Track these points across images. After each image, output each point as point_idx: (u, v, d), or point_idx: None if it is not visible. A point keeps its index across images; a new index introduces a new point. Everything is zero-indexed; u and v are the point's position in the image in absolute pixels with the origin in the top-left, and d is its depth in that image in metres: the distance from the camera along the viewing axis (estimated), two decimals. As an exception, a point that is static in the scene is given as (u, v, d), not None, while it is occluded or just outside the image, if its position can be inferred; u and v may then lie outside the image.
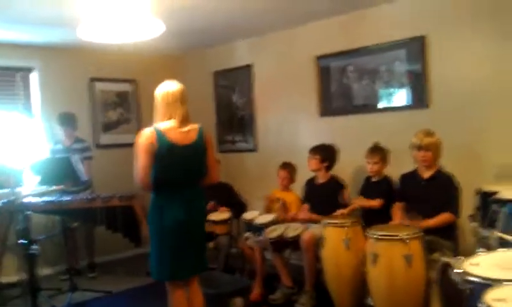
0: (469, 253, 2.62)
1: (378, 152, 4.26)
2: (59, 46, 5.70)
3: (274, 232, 4.39)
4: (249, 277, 4.65)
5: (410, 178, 4.00)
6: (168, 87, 3.30)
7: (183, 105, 3.25)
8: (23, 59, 5.64)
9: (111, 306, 4.58)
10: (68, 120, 5.46)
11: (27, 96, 5.74)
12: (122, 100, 6.49)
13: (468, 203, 3.65)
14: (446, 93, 4.33)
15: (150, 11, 4.18)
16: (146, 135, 3.15)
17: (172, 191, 3.22)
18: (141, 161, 3.12)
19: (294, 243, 4.32)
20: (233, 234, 5.03)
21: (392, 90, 4.75)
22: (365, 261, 3.59)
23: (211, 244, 4.84)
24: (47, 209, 4.80)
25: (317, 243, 4.13)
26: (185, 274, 3.29)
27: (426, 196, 3.79)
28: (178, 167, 3.21)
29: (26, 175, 4.70)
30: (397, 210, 3.99)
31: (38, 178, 5.13)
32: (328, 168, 4.59)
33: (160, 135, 3.15)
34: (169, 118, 3.22)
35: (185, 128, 3.23)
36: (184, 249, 3.23)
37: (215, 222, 4.83)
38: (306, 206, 4.68)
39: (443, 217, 3.66)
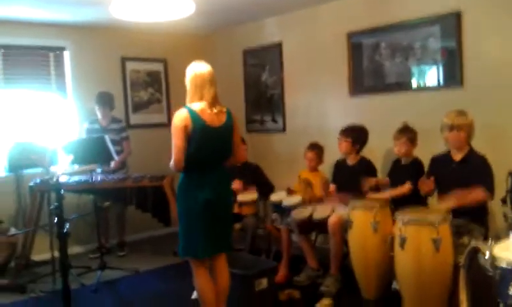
0: (499, 238, 2.54)
1: (405, 132, 4.12)
2: (90, 25, 5.75)
3: (301, 214, 4.34)
4: (275, 259, 4.64)
5: (441, 160, 3.87)
6: (196, 69, 3.29)
7: (212, 87, 3.25)
8: (55, 38, 5.72)
9: (139, 284, 4.65)
10: (105, 100, 5.52)
11: (60, 75, 5.82)
12: (153, 79, 6.52)
13: (500, 187, 3.50)
14: (481, 71, 4.16)
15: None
16: (180, 117, 3.17)
17: (202, 172, 3.25)
18: (176, 142, 3.15)
19: (320, 225, 4.27)
20: (260, 215, 5.02)
21: (425, 67, 4.59)
22: (393, 244, 3.53)
23: (238, 225, 4.85)
24: (79, 188, 4.92)
25: (344, 226, 4.07)
26: (209, 252, 3.31)
27: (458, 178, 3.64)
28: (210, 148, 3.24)
29: (59, 154, 4.80)
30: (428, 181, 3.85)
31: (71, 158, 5.24)
32: (359, 150, 4.51)
33: (194, 116, 3.16)
34: (200, 99, 3.23)
35: (216, 110, 3.24)
36: (211, 228, 3.25)
37: (242, 203, 4.84)
38: (333, 186, 4.61)
39: (477, 193, 3.48)
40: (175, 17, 4.18)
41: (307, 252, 4.45)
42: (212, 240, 3.28)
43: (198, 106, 3.20)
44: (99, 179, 4.92)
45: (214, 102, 3.24)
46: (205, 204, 3.21)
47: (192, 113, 3.17)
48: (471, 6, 4.18)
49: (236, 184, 4.91)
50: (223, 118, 3.27)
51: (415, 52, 4.63)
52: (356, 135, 4.48)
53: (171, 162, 3.22)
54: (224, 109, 3.31)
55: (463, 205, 3.49)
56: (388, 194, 4.08)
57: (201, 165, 3.24)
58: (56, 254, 3.90)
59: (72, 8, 5.00)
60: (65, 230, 3.81)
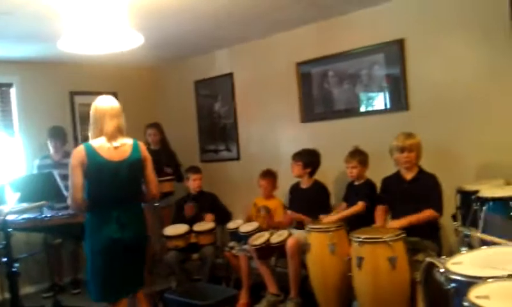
0: (452, 253, 2.63)
1: (355, 156, 4.26)
2: (38, 60, 5.65)
3: (258, 239, 4.36)
4: (235, 287, 4.61)
5: (392, 180, 4.00)
6: (97, 103, 3.24)
7: (112, 120, 3.16)
8: (1, 74, 5.57)
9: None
10: (58, 134, 5.40)
11: (7, 112, 5.66)
12: (103, 113, 6.42)
13: (449, 203, 3.67)
14: (425, 95, 4.36)
15: (129, 22, 4.17)
16: (76, 154, 3.11)
17: (106, 209, 3.14)
18: (73, 180, 3.07)
19: (279, 249, 4.29)
20: (218, 244, 4.99)
21: (372, 94, 4.78)
22: (351, 265, 3.58)
23: (196, 255, 4.81)
24: (28, 226, 4.73)
25: (302, 249, 4.12)
26: (119, 296, 3.22)
27: (410, 197, 3.79)
28: (110, 184, 3.13)
29: (7, 193, 4.63)
30: (380, 212, 3.99)
31: (18, 195, 5.06)
32: (311, 173, 4.59)
33: (90, 152, 3.10)
34: (100, 134, 3.16)
35: (117, 144, 3.15)
36: (116, 270, 3.15)
37: (199, 233, 4.80)
38: (289, 212, 4.67)
39: (426, 213, 3.64)
40: (122, 49, 4.18)
41: (267, 278, 4.45)
42: (123, 281, 3.19)
43: (97, 141, 3.14)
44: (49, 216, 4.76)
45: (113, 136, 3.14)
46: (110, 243, 3.11)
47: (88, 149, 3.10)
48: (412, 33, 4.40)
49: (188, 207, 4.92)
50: (126, 153, 3.17)
51: (362, 79, 4.81)
52: (307, 158, 4.57)
53: (69, 201, 3.12)
54: (130, 143, 3.21)
55: (412, 224, 3.60)
56: (341, 214, 4.16)
57: (104, 202, 3.14)
58: (7, 295, 3.74)
59: (18, 44, 4.91)
60: (15, 270, 3.68)
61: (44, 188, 4.70)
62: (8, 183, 4.69)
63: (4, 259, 3.99)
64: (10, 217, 4.35)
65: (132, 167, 3.18)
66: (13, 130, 5.68)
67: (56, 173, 4.73)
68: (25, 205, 4.74)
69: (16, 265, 3.63)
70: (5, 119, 5.64)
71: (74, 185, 3.07)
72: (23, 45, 4.92)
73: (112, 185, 3.13)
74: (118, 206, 3.15)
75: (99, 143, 3.14)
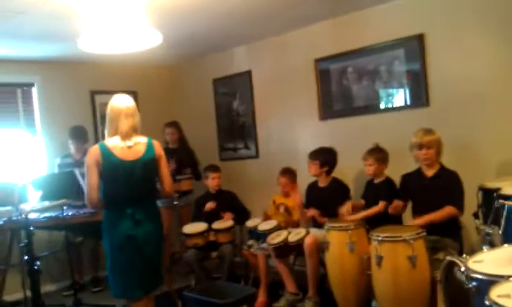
0: (473, 251, 2.58)
1: (372, 153, 4.20)
2: (58, 60, 5.73)
3: (276, 238, 4.35)
4: (253, 285, 4.61)
5: (413, 177, 3.94)
6: (113, 102, 3.26)
7: (127, 119, 3.19)
8: (23, 74, 5.67)
9: (116, 319, 4.53)
10: (79, 134, 5.48)
11: (29, 112, 5.75)
12: (123, 112, 6.48)
13: (470, 201, 3.59)
14: (445, 91, 4.30)
15: (148, 21, 4.20)
16: (91, 154, 3.16)
17: (121, 208, 3.17)
18: (88, 180, 3.11)
19: (297, 248, 4.28)
20: (236, 242, 4.99)
21: (391, 90, 4.72)
22: (370, 263, 3.55)
23: (214, 253, 4.82)
24: (49, 225, 4.80)
25: (320, 247, 4.09)
26: (138, 294, 3.23)
27: (431, 194, 3.74)
28: (125, 183, 3.16)
29: (29, 191, 4.70)
30: (396, 203, 3.92)
31: (40, 194, 5.13)
32: (329, 172, 4.56)
33: (105, 152, 3.14)
34: (115, 133, 3.19)
35: (130, 143, 3.17)
36: (134, 267, 3.18)
37: (218, 231, 4.81)
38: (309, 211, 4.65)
39: (446, 211, 3.59)
40: (141, 48, 4.21)
41: (285, 276, 4.43)
42: (139, 280, 3.21)
43: (112, 141, 3.18)
44: (70, 214, 4.82)
45: (128, 135, 3.17)
46: (125, 239, 3.15)
47: (103, 149, 3.15)
48: (433, 28, 4.33)
49: (209, 205, 4.94)
50: (140, 152, 3.19)
51: (381, 76, 4.75)
52: (324, 157, 4.53)
53: (85, 200, 3.17)
54: (144, 142, 3.23)
55: (432, 222, 3.55)
56: (362, 214, 4.12)
57: (119, 201, 3.18)
58: (29, 293, 3.79)
59: (39, 44, 4.98)
60: (36, 268, 3.73)
61: (65, 187, 4.77)
62: (29, 182, 4.77)
63: (26, 257, 4.05)
64: (32, 216, 4.43)
65: (146, 166, 3.20)
66: (35, 129, 5.78)
67: (77, 171, 4.79)
68: (46, 204, 4.82)
69: (38, 263, 3.68)
70: (27, 118, 5.73)
71: (90, 185, 3.11)
72: (43, 44, 4.99)
73: (126, 184, 3.16)
74: (133, 204, 3.18)
75: (114, 143, 3.18)
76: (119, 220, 3.16)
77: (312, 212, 4.46)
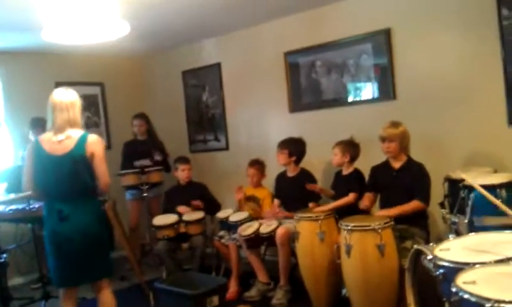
0: (440, 240, 2.66)
1: (339, 144, 4.29)
2: (23, 51, 5.58)
3: (248, 229, 4.39)
4: (225, 276, 4.64)
5: (381, 169, 4.03)
6: (52, 95, 3.24)
7: (62, 113, 3.15)
8: (-14, 66, 5.50)
9: (86, 312, 4.48)
10: (38, 124, 5.33)
11: (-8, 103, 5.60)
12: (89, 103, 6.36)
13: (437, 191, 3.71)
14: (412, 85, 4.40)
15: (115, 12, 4.14)
16: (28, 147, 3.24)
17: (51, 202, 3.19)
18: (24, 173, 3.19)
19: (268, 239, 4.34)
20: (207, 233, 5.01)
21: (359, 84, 4.80)
22: (339, 252, 3.63)
23: (185, 245, 4.83)
24: (16, 217, 4.70)
25: (292, 237, 4.15)
26: (66, 283, 3.26)
27: (398, 185, 3.83)
28: (53, 177, 3.14)
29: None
30: (367, 198, 4.01)
31: (4, 186, 5.01)
32: (297, 162, 4.61)
33: (36, 146, 3.17)
34: (52, 127, 3.20)
35: (62, 137, 3.14)
36: (61, 260, 3.18)
37: (189, 222, 4.80)
38: (276, 202, 4.71)
39: (412, 205, 3.69)
40: (108, 39, 4.14)
41: (256, 266, 4.48)
42: (72, 270, 3.20)
43: (46, 135, 3.20)
44: (36, 206, 4.72)
45: (60, 129, 3.14)
46: (52, 234, 3.17)
47: (35, 142, 3.19)
48: (399, 23, 4.42)
49: (182, 209, 4.93)
50: (69, 147, 3.13)
51: (349, 69, 4.83)
52: (292, 147, 4.58)
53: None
54: (75, 137, 3.15)
55: (399, 215, 3.64)
56: (333, 205, 4.18)
57: (49, 195, 3.19)
58: (-4, 286, 3.73)
59: (3, 34, 4.85)
60: (3, 260, 3.67)
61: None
62: (-6, 175, 4.65)
63: (-8, 251, 3.99)
64: (-3, 209, 4.33)
65: (74, 161, 3.13)
66: (-1, 121, 5.63)
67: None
68: (12, 196, 4.71)
69: (5, 255, 3.62)
70: (-10, 109, 5.58)
71: (25, 177, 3.18)
72: (7, 35, 4.86)
73: (55, 179, 3.14)
74: (61, 199, 3.15)
75: (47, 137, 3.18)
76: (49, 214, 3.18)
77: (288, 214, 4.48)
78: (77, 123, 3.22)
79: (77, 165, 3.13)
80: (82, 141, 3.15)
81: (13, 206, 4.68)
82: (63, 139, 3.13)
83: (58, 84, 5.97)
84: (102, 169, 3.21)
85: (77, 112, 3.23)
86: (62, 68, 6.04)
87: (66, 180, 3.13)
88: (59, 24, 3.66)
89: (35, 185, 3.17)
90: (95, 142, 3.20)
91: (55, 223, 3.14)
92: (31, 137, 5.31)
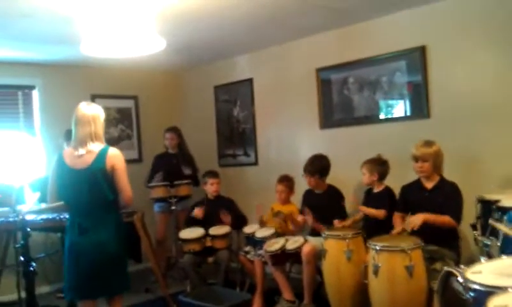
0: (471, 262, 2.57)
1: (367, 163, 4.26)
2: (60, 63, 5.74)
3: (274, 245, 4.34)
4: (249, 291, 4.59)
5: (412, 188, 3.94)
6: (77, 109, 3.27)
7: (84, 127, 3.18)
8: (24, 77, 5.67)
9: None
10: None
11: (29, 114, 5.75)
12: (123, 116, 6.50)
13: (469, 212, 3.59)
14: (447, 103, 4.29)
15: (152, 27, 4.21)
16: (54, 160, 3.28)
17: (72, 214, 3.23)
18: (49, 185, 3.25)
19: (294, 256, 4.27)
20: (233, 248, 4.97)
21: (392, 101, 4.72)
22: (367, 272, 3.54)
23: (211, 258, 4.81)
24: (46, 226, 4.78)
25: (318, 255, 4.08)
26: (82, 295, 3.26)
27: (430, 205, 3.71)
28: (72, 191, 3.18)
29: (27, 193, 4.68)
30: (398, 220, 3.93)
31: (38, 195, 5.11)
32: (322, 176, 4.57)
33: (59, 159, 3.22)
34: (74, 140, 3.23)
35: (82, 151, 3.16)
36: (78, 270, 3.19)
37: (215, 237, 4.79)
38: (307, 210, 4.61)
39: (444, 218, 3.57)
40: (145, 53, 4.21)
41: (281, 283, 4.41)
42: (85, 284, 3.19)
43: (69, 149, 3.24)
44: (67, 217, 4.80)
45: (82, 143, 3.16)
46: (71, 246, 3.20)
47: (59, 156, 3.23)
48: (435, 40, 4.34)
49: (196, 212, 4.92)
50: (88, 161, 3.15)
51: (382, 86, 4.76)
52: (320, 169, 4.56)
53: None
54: (96, 151, 3.17)
55: (430, 222, 3.52)
56: (364, 209, 4.17)
57: (71, 208, 3.24)
58: (23, 294, 3.76)
59: (42, 47, 4.99)
60: (32, 269, 3.71)
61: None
62: (27, 184, 4.75)
63: (22, 258, 4.04)
64: (29, 217, 4.40)
65: (94, 175, 3.14)
66: (35, 131, 5.77)
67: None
68: (43, 206, 4.80)
69: (33, 264, 3.65)
70: (27, 120, 5.73)
71: (49, 189, 3.25)
72: (45, 47, 5.00)
73: (74, 192, 3.17)
74: (81, 212, 3.19)
75: (69, 151, 3.23)
76: (70, 226, 3.23)
77: (309, 219, 4.44)
78: (99, 136, 3.24)
79: (96, 179, 3.14)
80: (102, 155, 3.17)
81: (44, 216, 4.78)
82: (84, 154, 3.16)
83: (94, 97, 6.15)
84: (123, 183, 3.22)
85: (99, 126, 3.26)
86: (98, 80, 6.18)
87: (85, 194, 3.15)
88: (97, 38, 3.74)
89: (58, 199, 3.22)
90: (115, 156, 3.22)
91: (74, 236, 3.17)
92: (65, 148, 5.44)
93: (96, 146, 3.19)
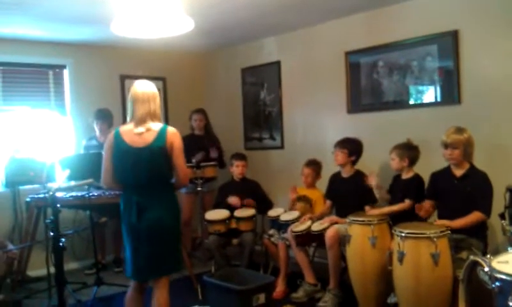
0: (498, 252, 2.53)
1: (396, 148, 4.15)
2: (90, 43, 5.81)
3: (300, 226, 4.36)
4: (272, 274, 4.61)
5: (442, 176, 3.86)
6: (134, 87, 3.24)
7: (143, 105, 3.16)
8: (55, 56, 5.76)
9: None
10: (104, 116, 5.53)
11: (59, 93, 5.85)
12: (151, 97, 6.54)
13: (498, 201, 3.52)
14: (478, 89, 4.20)
15: (181, 8, 4.21)
16: (108, 138, 3.23)
17: (129, 194, 3.19)
18: (104, 163, 3.20)
19: (318, 238, 4.26)
20: (257, 231, 5.00)
21: (422, 86, 4.63)
22: (391, 259, 3.51)
23: (235, 240, 4.85)
24: (76, 204, 4.89)
25: (341, 240, 4.07)
26: (140, 277, 3.26)
27: (458, 194, 3.67)
28: (132, 169, 3.14)
29: (57, 170, 4.78)
30: (427, 206, 3.83)
31: (67, 173, 5.21)
32: (354, 162, 4.51)
33: (116, 137, 3.17)
34: (132, 119, 3.20)
35: (142, 129, 3.14)
36: (138, 252, 3.18)
37: (240, 219, 4.82)
38: (328, 202, 4.64)
39: (473, 217, 3.52)
40: (173, 34, 4.23)
41: (304, 267, 4.42)
42: (142, 264, 3.19)
43: (127, 127, 3.20)
44: (95, 194, 4.89)
45: (141, 121, 3.14)
46: (130, 226, 3.17)
47: (116, 134, 3.18)
48: (467, 25, 4.23)
49: (233, 200, 4.93)
50: (149, 139, 3.13)
51: (413, 71, 4.67)
52: (352, 146, 4.48)
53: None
54: (156, 129, 3.15)
55: (461, 228, 3.50)
56: (387, 210, 4.07)
57: (127, 186, 3.20)
58: (52, 269, 3.87)
59: (72, 27, 5.05)
60: (61, 245, 3.79)
61: (92, 167, 4.81)
62: (57, 161, 4.85)
63: (51, 234, 4.14)
64: (59, 194, 4.50)
65: (154, 154, 3.13)
66: (65, 110, 5.87)
67: (103, 153, 4.85)
68: (73, 183, 4.90)
69: (63, 240, 3.74)
70: (58, 99, 5.84)
71: (104, 168, 3.20)
72: (76, 27, 5.06)
73: (133, 171, 3.15)
74: (140, 191, 3.17)
75: (127, 128, 3.19)
76: (127, 206, 3.19)
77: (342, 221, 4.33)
78: (158, 115, 3.24)
79: (156, 157, 3.14)
80: (162, 133, 3.16)
81: (73, 193, 4.88)
82: (143, 132, 3.14)
83: (123, 77, 6.22)
84: (180, 161, 3.23)
85: (158, 104, 3.26)
86: (127, 61, 6.24)
87: (144, 172, 3.14)
88: (128, 18, 3.76)
89: (114, 177, 3.20)
90: (174, 134, 3.21)
91: (133, 215, 3.14)
92: (96, 127, 5.52)
93: (155, 125, 3.18)
